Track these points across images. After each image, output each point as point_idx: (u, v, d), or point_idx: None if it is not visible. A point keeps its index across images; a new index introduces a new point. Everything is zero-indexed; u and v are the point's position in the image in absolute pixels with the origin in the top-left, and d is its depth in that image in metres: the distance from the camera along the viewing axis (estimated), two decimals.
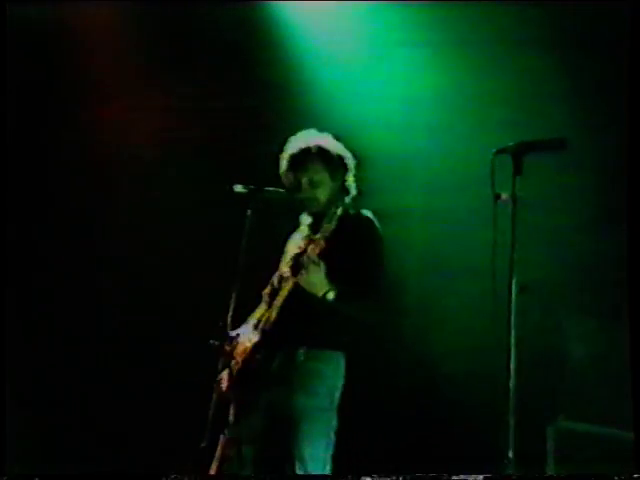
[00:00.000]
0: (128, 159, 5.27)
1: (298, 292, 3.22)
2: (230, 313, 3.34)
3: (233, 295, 3.35)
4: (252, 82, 5.10)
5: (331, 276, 3.14)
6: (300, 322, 3.22)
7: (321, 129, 3.54)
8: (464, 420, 4.43)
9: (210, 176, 4.77)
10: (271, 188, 3.46)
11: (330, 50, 4.95)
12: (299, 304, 3.23)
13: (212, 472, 3.30)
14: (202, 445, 3.24)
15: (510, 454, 3.02)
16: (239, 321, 3.49)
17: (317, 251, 3.17)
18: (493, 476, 3.09)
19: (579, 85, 4.60)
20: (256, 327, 3.43)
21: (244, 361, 3.30)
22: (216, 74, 5.19)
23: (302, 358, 3.19)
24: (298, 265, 3.22)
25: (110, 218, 5.32)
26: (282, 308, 3.29)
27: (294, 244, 3.53)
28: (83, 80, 5.34)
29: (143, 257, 5.14)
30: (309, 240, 3.34)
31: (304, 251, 3.27)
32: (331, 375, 3.25)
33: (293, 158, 3.39)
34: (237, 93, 5.14)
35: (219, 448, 3.33)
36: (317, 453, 3.16)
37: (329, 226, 3.17)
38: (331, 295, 3.15)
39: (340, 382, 3.28)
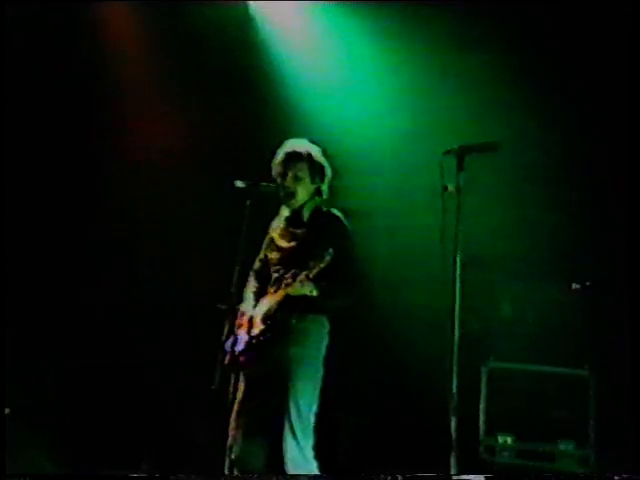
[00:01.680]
0: (148, 160, 5.63)
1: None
2: (233, 285, 3.78)
3: (236, 270, 3.80)
4: (248, 98, 5.51)
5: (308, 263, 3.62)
6: (292, 301, 3.74)
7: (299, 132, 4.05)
8: (419, 364, 5.03)
9: (216, 174, 5.10)
10: (265, 183, 3.90)
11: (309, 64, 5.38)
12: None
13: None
14: (212, 387, 3.63)
15: (454, 389, 3.54)
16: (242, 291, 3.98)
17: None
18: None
19: (518, 96, 5.13)
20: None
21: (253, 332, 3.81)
22: (219, 93, 5.56)
23: (294, 321, 3.75)
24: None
25: (135, 209, 5.66)
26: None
27: (275, 232, 4.03)
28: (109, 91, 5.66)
29: (160, 241, 5.54)
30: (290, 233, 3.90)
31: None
32: (317, 332, 3.81)
33: (287, 155, 3.91)
34: (236, 108, 5.52)
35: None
36: (306, 391, 3.72)
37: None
38: (314, 293, 3.68)
39: (325, 338, 3.83)
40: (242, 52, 5.52)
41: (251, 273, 4.11)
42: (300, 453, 3.68)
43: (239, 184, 3.88)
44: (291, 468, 3.66)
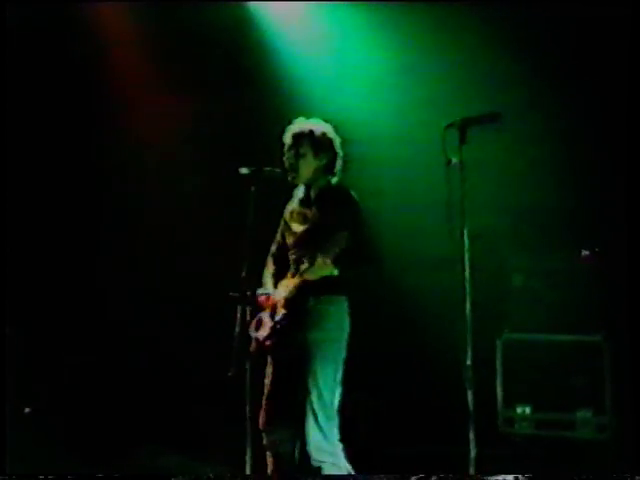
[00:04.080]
0: (154, 150, 5.57)
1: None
2: (243, 272, 3.69)
3: (245, 256, 3.70)
4: (249, 86, 5.43)
5: (324, 246, 3.51)
6: (311, 284, 3.61)
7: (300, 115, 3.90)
8: (434, 340, 4.95)
9: (220, 162, 5.00)
10: (269, 168, 3.78)
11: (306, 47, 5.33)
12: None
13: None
14: (229, 374, 3.56)
15: (468, 362, 3.48)
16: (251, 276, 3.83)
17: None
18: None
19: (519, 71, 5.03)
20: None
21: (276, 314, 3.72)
22: (219, 81, 5.51)
23: (312, 303, 3.62)
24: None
25: (141, 196, 5.60)
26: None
27: (289, 214, 3.93)
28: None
29: (167, 232, 5.45)
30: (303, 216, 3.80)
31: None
32: (335, 313, 3.67)
33: (290, 132, 3.83)
34: (237, 96, 5.44)
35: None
36: (327, 374, 3.61)
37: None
38: (335, 272, 3.54)
39: (345, 319, 3.70)
40: (240, 40, 5.44)
41: (269, 257, 4.01)
42: (322, 436, 3.59)
43: (243, 171, 3.77)
44: (314, 451, 3.58)
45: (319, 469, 3.62)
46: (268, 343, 3.69)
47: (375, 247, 3.67)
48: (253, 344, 3.72)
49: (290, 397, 3.67)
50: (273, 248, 4.02)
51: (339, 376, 3.67)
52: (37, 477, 3.68)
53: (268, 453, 3.76)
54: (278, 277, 3.87)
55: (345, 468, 3.68)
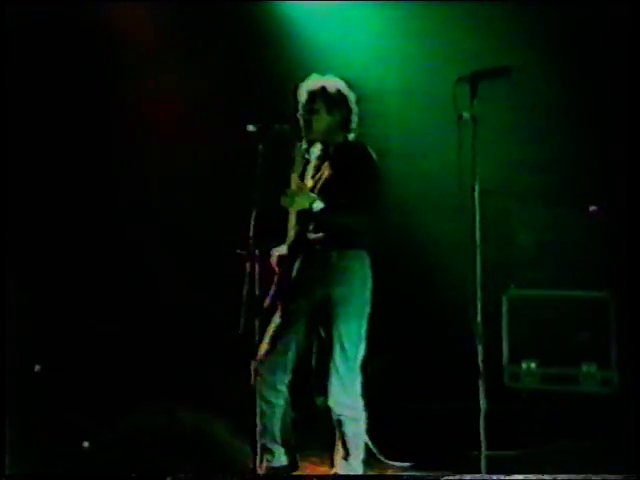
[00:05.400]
0: (160, 112, 5.47)
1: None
2: (251, 232, 3.63)
3: (253, 216, 3.64)
4: (255, 43, 5.38)
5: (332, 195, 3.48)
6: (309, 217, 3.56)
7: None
8: (441, 296, 4.96)
9: (227, 120, 4.86)
10: (277, 125, 3.67)
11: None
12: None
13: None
14: (239, 332, 3.50)
15: (479, 319, 3.47)
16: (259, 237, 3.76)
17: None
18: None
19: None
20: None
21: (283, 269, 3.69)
22: (225, 39, 5.47)
23: (335, 259, 3.55)
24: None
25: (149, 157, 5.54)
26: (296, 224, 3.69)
27: (299, 171, 3.80)
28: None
29: (175, 192, 5.44)
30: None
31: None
32: (360, 269, 3.61)
33: (303, 88, 3.75)
34: (242, 52, 5.41)
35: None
36: (350, 329, 3.56)
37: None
38: (318, 205, 3.49)
39: (369, 275, 3.64)
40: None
41: None
42: (343, 390, 3.56)
43: (251, 128, 3.67)
44: (333, 404, 3.57)
45: (339, 422, 3.60)
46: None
47: (380, 203, 3.59)
48: (267, 301, 3.68)
49: (291, 347, 3.60)
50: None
51: (363, 331, 3.63)
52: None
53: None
54: None
55: (364, 424, 3.66)
